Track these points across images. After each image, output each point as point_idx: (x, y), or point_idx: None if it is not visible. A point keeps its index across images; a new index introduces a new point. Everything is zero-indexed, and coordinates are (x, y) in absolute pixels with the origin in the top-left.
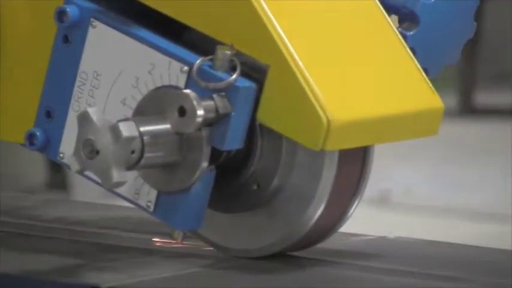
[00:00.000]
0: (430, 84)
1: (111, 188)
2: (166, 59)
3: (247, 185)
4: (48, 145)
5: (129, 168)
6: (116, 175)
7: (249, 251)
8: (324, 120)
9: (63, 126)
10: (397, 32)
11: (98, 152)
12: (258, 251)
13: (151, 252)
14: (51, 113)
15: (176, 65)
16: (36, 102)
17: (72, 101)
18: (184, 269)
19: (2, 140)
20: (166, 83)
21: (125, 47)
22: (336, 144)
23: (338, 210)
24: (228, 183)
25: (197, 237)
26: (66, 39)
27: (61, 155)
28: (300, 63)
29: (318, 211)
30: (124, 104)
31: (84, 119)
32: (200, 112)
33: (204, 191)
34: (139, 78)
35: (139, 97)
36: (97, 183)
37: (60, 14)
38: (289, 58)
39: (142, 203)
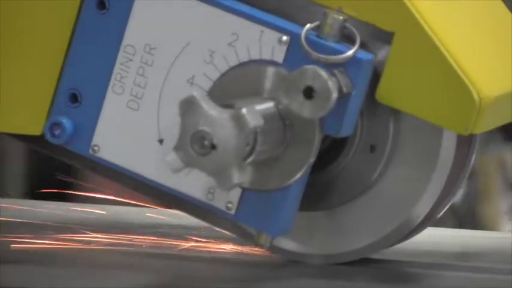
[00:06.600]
0: None
1: (227, 190)
2: (257, 27)
3: (338, 175)
4: (75, 136)
5: None
6: (237, 175)
7: (335, 255)
8: (476, 98)
9: (98, 113)
10: None
11: (213, 147)
12: (346, 255)
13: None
14: (79, 97)
15: (271, 34)
16: (51, 85)
17: (113, 81)
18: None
19: (12, 133)
20: (256, 57)
21: (193, 13)
22: (484, 125)
23: (443, 201)
24: (314, 174)
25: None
26: (102, 5)
27: (95, 148)
28: (435, 28)
29: (429, 205)
30: (192, 83)
31: (190, 105)
32: (335, 94)
33: (300, 188)
34: (215, 51)
35: (215, 75)
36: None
37: None
38: (423, 22)
39: (220, 205)
